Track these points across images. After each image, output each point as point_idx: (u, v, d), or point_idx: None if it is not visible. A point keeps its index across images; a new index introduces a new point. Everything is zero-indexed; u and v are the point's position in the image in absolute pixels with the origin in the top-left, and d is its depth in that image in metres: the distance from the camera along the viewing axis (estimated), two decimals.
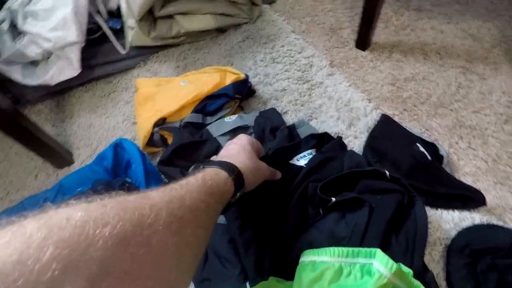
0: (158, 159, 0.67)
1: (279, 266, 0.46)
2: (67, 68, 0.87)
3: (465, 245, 0.53)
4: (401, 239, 0.49)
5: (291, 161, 0.60)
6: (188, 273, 0.29)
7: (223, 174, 0.39)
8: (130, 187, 0.59)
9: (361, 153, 0.68)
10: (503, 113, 0.77)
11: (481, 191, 0.62)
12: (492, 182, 0.67)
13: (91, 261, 0.20)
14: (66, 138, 0.84)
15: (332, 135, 0.71)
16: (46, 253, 0.19)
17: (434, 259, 0.55)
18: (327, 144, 0.63)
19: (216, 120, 0.72)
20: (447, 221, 0.59)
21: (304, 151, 0.62)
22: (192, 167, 0.43)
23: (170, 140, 0.71)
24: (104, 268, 0.20)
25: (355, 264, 0.43)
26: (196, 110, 0.73)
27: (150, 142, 0.71)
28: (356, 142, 0.72)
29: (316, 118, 0.77)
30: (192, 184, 0.33)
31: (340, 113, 0.77)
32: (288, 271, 0.45)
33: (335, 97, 0.80)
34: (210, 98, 0.73)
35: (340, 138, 0.65)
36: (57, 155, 0.74)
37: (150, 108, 0.74)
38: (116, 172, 0.63)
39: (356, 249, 0.43)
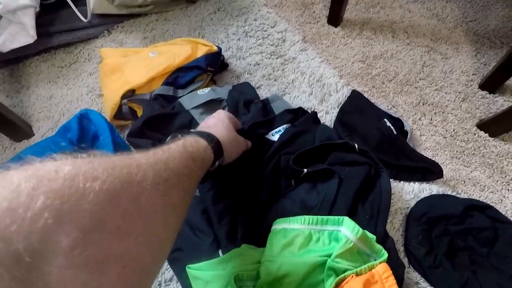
0: (127, 132, 0.65)
1: (252, 234, 0.47)
2: (21, 34, 0.80)
3: (422, 213, 0.57)
4: (367, 208, 0.52)
5: (266, 136, 0.60)
6: (174, 234, 0.30)
7: (202, 142, 0.39)
8: None
9: (332, 128, 0.70)
10: (461, 91, 0.82)
11: (439, 165, 0.66)
12: (449, 156, 0.72)
13: (84, 212, 0.20)
14: (23, 110, 0.78)
15: (306, 109, 0.72)
16: (37, 202, 0.18)
17: (395, 227, 0.59)
18: (300, 118, 0.64)
19: (188, 93, 0.70)
20: (408, 192, 0.63)
21: (279, 126, 0.63)
22: (170, 136, 0.42)
23: (140, 113, 0.68)
24: (96, 221, 0.20)
25: (323, 231, 0.45)
26: (167, 83, 0.70)
27: (119, 114, 0.68)
28: (327, 117, 0.74)
29: (289, 93, 0.78)
30: (174, 150, 0.33)
31: (313, 89, 0.78)
32: (261, 239, 0.47)
33: (308, 72, 0.81)
34: (182, 70, 0.71)
35: (314, 112, 0.66)
36: (14, 126, 0.69)
37: (118, 79, 0.70)
38: (81, 145, 0.59)
39: (325, 217, 0.46)
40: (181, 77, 0.71)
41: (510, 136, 0.77)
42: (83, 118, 0.62)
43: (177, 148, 0.34)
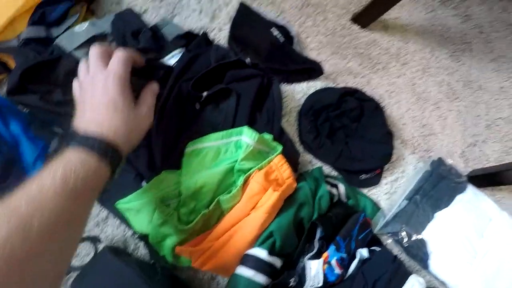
0: (4, 88, 0.58)
1: (168, 160, 0.53)
2: None
3: (309, 108, 0.70)
4: (263, 115, 0.61)
5: (161, 60, 0.61)
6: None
7: (91, 161, 0.32)
8: None
9: (227, 45, 0.73)
10: None
11: (322, 62, 0.77)
12: (330, 52, 0.84)
13: None
14: None
15: (198, 30, 0.72)
16: None
17: (291, 123, 0.71)
18: (193, 42, 0.65)
19: (64, 31, 0.63)
20: (299, 92, 0.74)
21: (172, 51, 0.64)
22: (55, 141, 0.37)
23: (12, 64, 0.61)
24: None
25: (230, 143, 0.54)
26: (33, 22, 0.61)
27: None
28: (221, 34, 0.75)
29: (179, 14, 0.75)
30: (46, 191, 0.27)
31: (202, 6, 0.76)
32: (177, 162, 0.53)
33: None
34: (48, 3, 0.62)
35: (204, 33, 0.67)
36: None
37: None
38: None
39: (229, 131, 0.53)
40: (50, 12, 0.62)
41: (376, 25, 0.90)
42: None
43: (52, 184, 0.27)
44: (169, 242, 0.48)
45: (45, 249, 0.25)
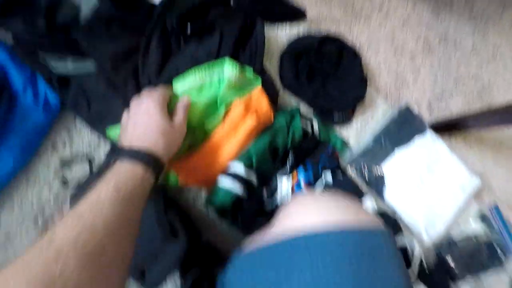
0: None
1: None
2: None
3: (291, 50, 0.73)
4: (246, 53, 0.65)
5: None
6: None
7: (138, 170, 0.38)
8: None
9: None
10: None
11: (306, 7, 0.79)
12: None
13: None
14: None
15: None
16: None
17: (273, 66, 0.75)
18: None
19: None
20: (282, 37, 0.77)
21: None
22: (106, 156, 0.41)
23: None
24: None
25: (212, 75, 0.58)
26: None
27: None
28: None
29: None
30: (103, 200, 0.32)
31: None
32: None
33: None
34: None
35: None
36: None
37: None
38: None
39: (211, 64, 0.57)
40: None
41: None
42: None
43: (107, 193, 0.33)
44: None
45: (109, 243, 0.30)
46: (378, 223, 0.36)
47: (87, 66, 0.59)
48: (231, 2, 0.63)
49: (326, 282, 0.29)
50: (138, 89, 0.58)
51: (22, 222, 0.58)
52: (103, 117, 0.58)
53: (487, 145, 0.91)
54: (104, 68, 0.56)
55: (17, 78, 0.56)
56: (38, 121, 0.56)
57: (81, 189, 0.55)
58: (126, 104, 0.57)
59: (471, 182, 0.75)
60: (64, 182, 0.59)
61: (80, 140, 0.63)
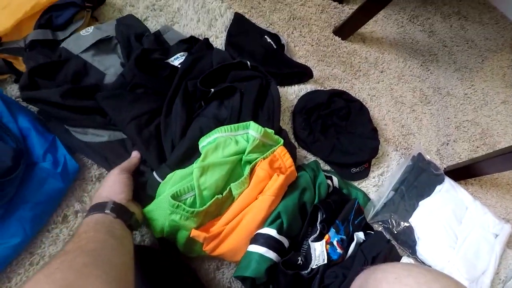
0: (10, 86, 0.60)
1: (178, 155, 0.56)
2: None
3: (302, 107, 0.76)
4: (264, 112, 0.66)
5: (166, 61, 0.65)
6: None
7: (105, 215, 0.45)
8: None
9: (224, 50, 0.78)
10: (319, 4, 0.99)
11: (310, 68, 0.84)
12: (316, 60, 0.91)
13: None
14: None
15: (197, 37, 0.77)
16: None
17: (285, 122, 0.77)
18: (195, 46, 0.69)
19: (70, 35, 0.65)
20: (291, 94, 0.80)
21: (176, 54, 0.68)
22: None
23: (18, 64, 0.62)
24: None
25: (237, 135, 0.57)
26: (40, 25, 0.63)
27: None
28: (217, 41, 0.81)
29: (178, 23, 0.80)
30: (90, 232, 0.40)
31: (199, 15, 0.82)
32: (189, 154, 0.56)
33: None
34: (55, 8, 0.64)
35: (206, 39, 0.72)
36: None
37: None
38: None
39: (236, 125, 0.57)
40: (56, 16, 0.65)
41: (355, 37, 1.00)
42: None
43: (91, 229, 0.41)
44: (184, 232, 0.51)
45: (106, 245, 0.38)
46: None
47: (104, 136, 0.58)
48: (248, 65, 0.65)
49: None
50: (161, 151, 0.57)
51: None
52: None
53: (503, 188, 0.92)
54: (129, 134, 0.55)
55: (38, 143, 0.55)
56: (55, 187, 0.53)
57: None
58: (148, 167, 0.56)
59: (504, 229, 0.73)
60: None
61: None
